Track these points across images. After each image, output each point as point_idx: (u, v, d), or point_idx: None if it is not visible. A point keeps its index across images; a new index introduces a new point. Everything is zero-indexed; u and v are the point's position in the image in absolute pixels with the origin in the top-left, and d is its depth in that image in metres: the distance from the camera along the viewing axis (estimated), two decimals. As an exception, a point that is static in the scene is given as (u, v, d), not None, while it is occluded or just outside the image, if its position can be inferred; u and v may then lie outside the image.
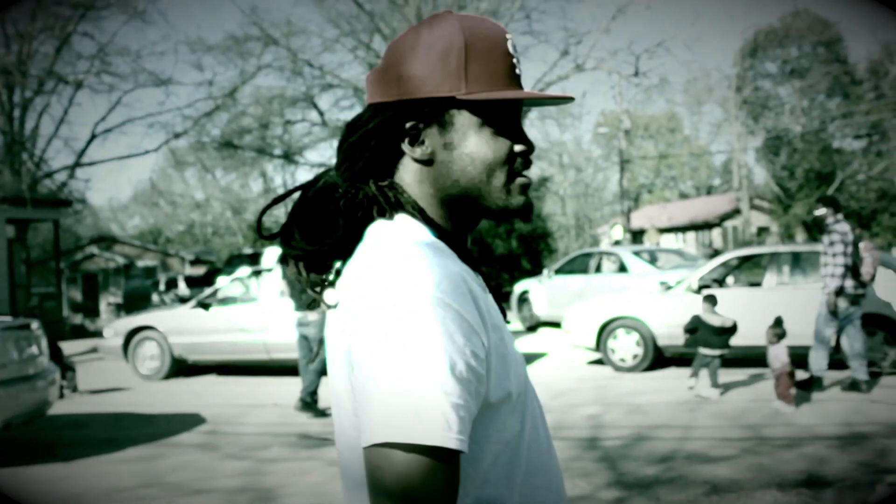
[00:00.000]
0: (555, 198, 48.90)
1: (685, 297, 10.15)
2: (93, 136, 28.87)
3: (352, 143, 1.20)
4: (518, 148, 1.17)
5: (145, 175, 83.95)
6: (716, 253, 24.11)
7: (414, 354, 0.96)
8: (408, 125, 1.17)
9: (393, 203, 1.18)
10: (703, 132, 59.49)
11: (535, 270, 24.54)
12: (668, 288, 10.77)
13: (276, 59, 32.39)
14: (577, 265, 16.45)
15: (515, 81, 1.17)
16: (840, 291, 8.10)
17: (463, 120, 1.16)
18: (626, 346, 10.59)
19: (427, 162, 1.18)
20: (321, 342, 8.15)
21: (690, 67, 66.23)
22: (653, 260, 15.87)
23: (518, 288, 17.56)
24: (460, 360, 0.98)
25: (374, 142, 1.19)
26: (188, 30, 78.56)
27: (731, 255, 10.96)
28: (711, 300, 8.99)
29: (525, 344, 14.01)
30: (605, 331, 10.68)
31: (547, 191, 37.86)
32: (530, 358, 12.10)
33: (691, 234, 44.57)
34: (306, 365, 8.58)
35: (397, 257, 1.04)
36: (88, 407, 9.87)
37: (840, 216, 8.28)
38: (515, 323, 16.63)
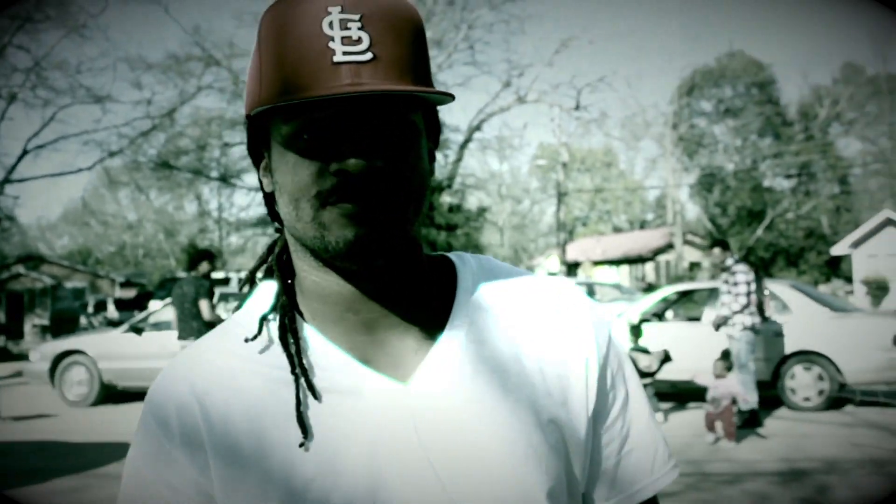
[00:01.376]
0: (493, 228, 49.22)
1: (625, 330, 10.21)
2: (24, 152, 28.20)
3: None
4: (335, 167, 0.80)
5: (77, 194, 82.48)
6: (650, 287, 24.45)
7: (126, 467, 0.93)
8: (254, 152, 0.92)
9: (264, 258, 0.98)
10: (639, 167, 60.59)
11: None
12: (609, 321, 10.83)
13: (216, 81, 32.23)
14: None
15: (333, 75, 0.77)
16: (752, 327, 8.45)
17: (274, 140, 0.85)
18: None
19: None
20: None
21: (629, 103, 67.48)
22: (590, 293, 15.97)
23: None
24: (150, 485, 0.88)
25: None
26: (128, 47, 77.44)
27: (671, 290, 11.08)
28: (636, 331, 9.19)
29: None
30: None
31: (485, 221, 38.08)
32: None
33: (625, 268, 45.20)
34: None
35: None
36: (11, 435, 9.51)
37: (736, 256, 8.83)
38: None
